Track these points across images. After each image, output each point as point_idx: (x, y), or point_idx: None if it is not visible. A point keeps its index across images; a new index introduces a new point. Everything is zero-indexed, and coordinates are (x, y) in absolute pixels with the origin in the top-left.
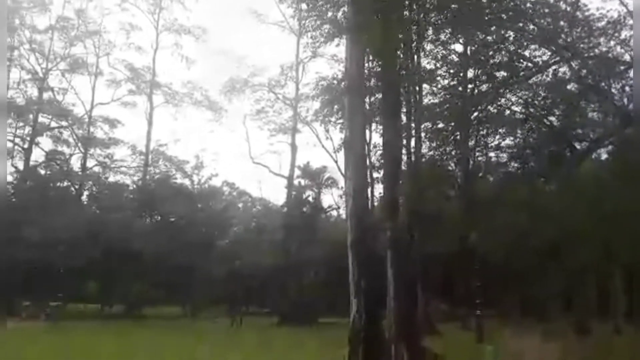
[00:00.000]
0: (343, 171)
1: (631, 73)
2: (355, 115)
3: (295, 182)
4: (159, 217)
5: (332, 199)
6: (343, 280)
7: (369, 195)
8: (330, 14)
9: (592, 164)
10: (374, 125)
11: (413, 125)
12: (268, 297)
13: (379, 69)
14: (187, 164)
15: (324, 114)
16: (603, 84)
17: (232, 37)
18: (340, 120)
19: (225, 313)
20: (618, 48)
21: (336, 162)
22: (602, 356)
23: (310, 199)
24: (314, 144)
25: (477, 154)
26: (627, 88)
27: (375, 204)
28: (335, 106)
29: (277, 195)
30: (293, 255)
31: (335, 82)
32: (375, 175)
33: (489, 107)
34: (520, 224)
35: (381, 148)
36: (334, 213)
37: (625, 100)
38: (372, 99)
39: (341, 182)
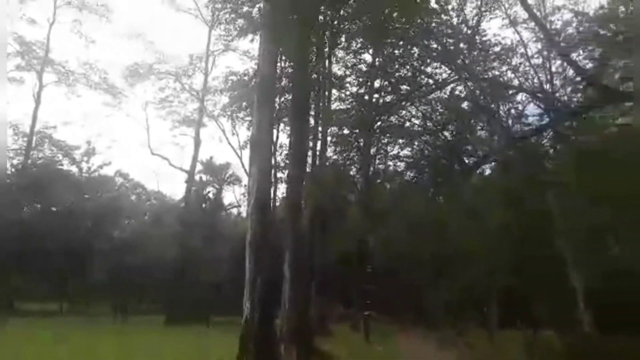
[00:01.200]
0: (247, 169)
1: (518, 97)
2: (263, 113)
3: (196, 177)
4: (39, 205)
5: (234, 197)
6: (240, 279)
7: (272, 194)
8: (245, 8)
9: (477, 179)
10: (281, 126)
11: (320, 128)
12: (159, 294)
13: (291, 70)
14: (77, 149)
15: (232, 109)
16: (493, 105)
17: (139, 21)
18: (248, 118)
19: (110, 309)
20: (509, 73)
21: (241, 159)
22: (478, 350)
23: (210, 195)
24: (219, 139)
25: (378, 161)
26: (512, 111)
27: (278, 204)
28: (244, 102)
29: (175, 190)
30: (189, 252)
31: (246, 78)
32: (279, 175)
33: (392, 117)
34: (413, 232)
35: (287, 148)
36: (235, 211)
37: (510, 121)
38: (282, 99)
39: (244, 179)
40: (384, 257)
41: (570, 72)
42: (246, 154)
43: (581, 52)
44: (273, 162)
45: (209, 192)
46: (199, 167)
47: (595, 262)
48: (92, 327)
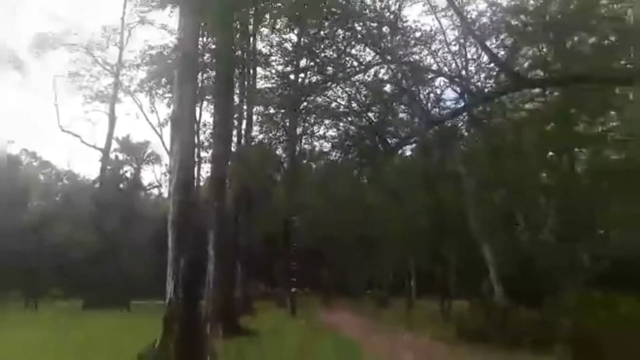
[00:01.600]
0: (168, 147)
1: (436, 82)
2: (185, 89)
3: (112, 155)
4: None
5: (155, 177)
6: (162, 262)
7: (195, 174)
8: None
9: (399, 160)
10: (205, 104)
11: (245, 107)
12: (76, 278)
13: (214, 46)
14: None
15: (150, 85)
16: (413, 88)
17: None
18: (169, 94)
19: (22, 295)
20: (429, 58)
21: (161, 137)
22: (396, 321)
23: (128, 174)
24: (137, 115)
25: (304, 141)
26: (431, 95)
27: (202, 184)
28: (164, 79)
29: (89, 170)
30: (106, 233)
31: (165, 52)
32: (203, 155)
33: (318, 98)
34: (338, 212)
35: (211, 127)
36: (156, 191)
37: (429, 105)
38: (205, 75)
39: (165, 158)
40: (310, 236)
41: (485, 58)
42: (167, 132)
43: (494, 40)
44: (196, 140)
45: (126, 171)
46: (114, 145)
47: (504, 238)
48: None
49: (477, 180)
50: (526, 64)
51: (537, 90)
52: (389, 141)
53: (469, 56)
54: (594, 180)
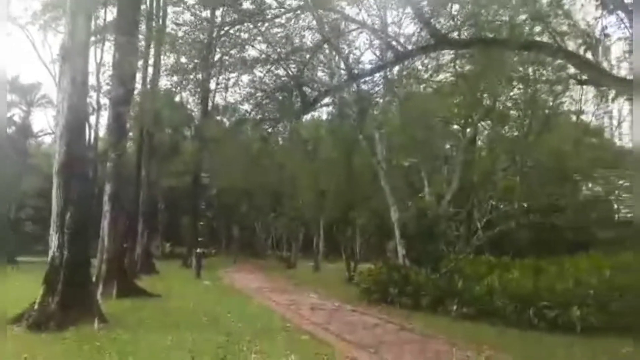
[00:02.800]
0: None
1: (359, 37)
2: (79, 21)
3: None
4: None
5: (47, 122)
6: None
7: (87, 116)
8: None
9: (315, 118)
10: (107, 45)
11: (152, 52)
12: None
13: None
14: None
15: (45, 18)
16: (335, 41)
17: None
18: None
19: None
20: (354, 8)
21: (54, 77)
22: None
23: (17, 118)
24: (28, 52)
25: (217, 96)
26: (351, 55)
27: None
28: (61, 10)
29: None
30: None
31: None
32: (103, 101)
33: (233, 50)
34: (249, 169)
35: (111, 68)
36: (48, 139)
37: (350, 59)
38: (106, 10)
39: None
40: (219, 194)
41: (409, 11)
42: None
43: None
44: (95, 82)
45: (14, 114)
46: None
47: (407, 201)
48: None
49: (388, 146)
50: (451, 22)
51: (448, 58)
52: (307, 94)
53: (394, 13)
54: (488, 153)
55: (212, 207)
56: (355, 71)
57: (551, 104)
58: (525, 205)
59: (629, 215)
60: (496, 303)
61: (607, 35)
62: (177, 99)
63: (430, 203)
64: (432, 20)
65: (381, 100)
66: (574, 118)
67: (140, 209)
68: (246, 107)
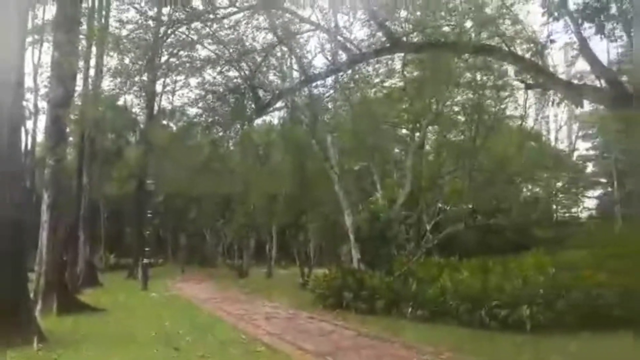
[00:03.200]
0: None
1: (312, 39)
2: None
3: None
4: None
5: None
6: None
7: (19, 116)
8: None
9: (267, 122)
10: (46, 46)
11: (93, 52)
12: None
13: None
14: None
15: None
16: (289, 42)
17: None
18: None
19: None
20: (308, 9)
21: None
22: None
23: None
24: None
25: (164, 99)
26: (304, 60)
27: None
28: None
29: None
30: None
31: None
32: (41, 104)
33: (182, 51)
34: (198, 175)
35: (49, 68)
36: None
37: (304, 61)
38: (44, 8)
39: None
40: (166, 200)
41: (360, 14)
42: None
43: None
44: (33, 84)
45: None
46: None
47: (361, 205)
48: None
49: (340, 150)
50: (403, 26)
51: (398, 64)
52: (261, 96)
53: (349, 13)
54: (436, 157)
55: (158, 214)
56: (308, 74)
57: (496, 109)
58: (472, 207)
59: (566, 215)
60: (449, 304)
61: (552, 41)
62: (120, 101)
63: (383, 207)
64: (386, 22)
65: (333, 105)
66: (518, 122)
67: (82, 218)
68: (195, 110)
